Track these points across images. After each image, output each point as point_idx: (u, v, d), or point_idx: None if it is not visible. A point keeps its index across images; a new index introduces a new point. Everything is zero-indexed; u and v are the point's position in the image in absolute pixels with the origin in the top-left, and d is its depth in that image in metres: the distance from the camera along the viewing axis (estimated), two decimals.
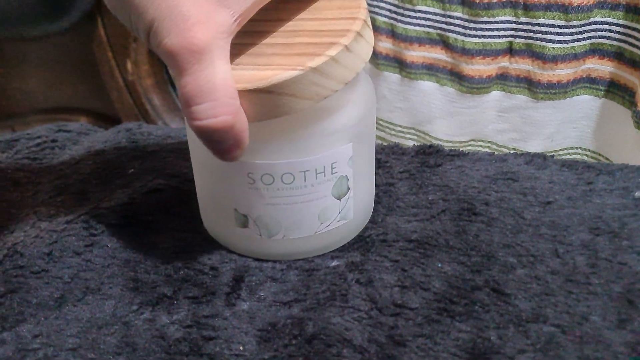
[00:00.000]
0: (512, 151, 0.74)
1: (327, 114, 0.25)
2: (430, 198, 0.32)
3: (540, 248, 0.29)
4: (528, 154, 0.37)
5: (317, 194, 0.26)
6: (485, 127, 0.74)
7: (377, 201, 0.31)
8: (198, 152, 0.27)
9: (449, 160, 0.35)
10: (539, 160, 0.36)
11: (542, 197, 0.32)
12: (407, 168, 0.34)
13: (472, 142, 0.75)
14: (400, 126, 0.78)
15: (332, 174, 0.26)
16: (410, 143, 0.79)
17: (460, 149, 0.37)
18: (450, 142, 0.75)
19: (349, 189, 0.27)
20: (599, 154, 0.71)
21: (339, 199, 0.27)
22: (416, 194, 0.32)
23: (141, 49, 0.73)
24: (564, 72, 0.67)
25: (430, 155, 0.36)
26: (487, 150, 0.76)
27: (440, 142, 0.75)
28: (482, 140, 0.75)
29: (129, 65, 0.73)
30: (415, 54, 0.73)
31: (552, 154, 0.73)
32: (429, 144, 0.38)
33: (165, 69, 0.77)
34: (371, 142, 0.28)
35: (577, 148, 0.73)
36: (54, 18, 0.67)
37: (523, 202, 0.32)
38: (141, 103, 0.75)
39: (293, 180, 0.25)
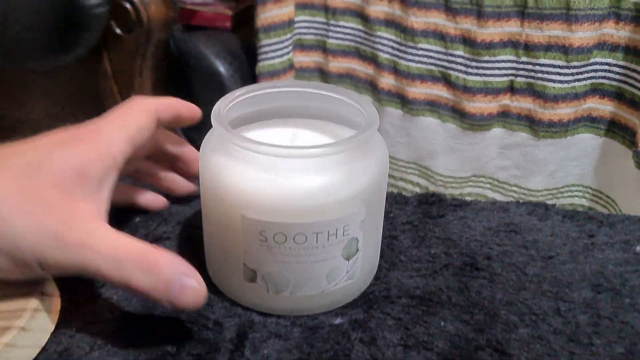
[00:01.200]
0: (513, 187, 0.75)
1: (343, 178, 0.26)
2: (432, 252, 0.32)
3: (543, 306, 0.29)
4: (530, 203, 0.37)
5: (328, 254, 0.26)
6: (487, 164, 0.75)
7: (381, 255, 0.31)
8: (210, 205, 0.28)
9: (451, 210, 0.36)
10: (541, 210, 0.37)
11: (544, 251, 0.32)
12: (410, 219, 0.34)
13: (474, 178, 0.76)
14: (402, 161, 0.78)
15: (343, 235, 0.26)
16: (412, 178, 0.79)
17: (463, 198, 0.38)
18: (452, 177, 0.75)
19: (358, 250, 0.27)
20: (600, 192, 0.72)
21: (348, 259, 0.27)
22: (418, 248, 0.32)
23: (146, 83, 0.73)
24: (564, 111, 0.68)
25: (432, 205, 0.36)
26: (488, 186, 0.76)
27: (441, 178, 0.76)
28: (484, 177, 0.75)
29: None
30: (417, 91, 0.74)
31: (554, 201, 0.73)
32: (431, 192, 0.38)
33: None
34: (382, 204, 0.29)
35: (578, 185, 0.73)
36: (60, 53, 0.68)
37: (525, 256, 0.32)
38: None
39: (305, 240, 0.26)
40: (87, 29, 0.67)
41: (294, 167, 0.26)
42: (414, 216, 0.35)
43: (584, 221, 0.36)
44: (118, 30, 0.70)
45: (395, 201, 0.37)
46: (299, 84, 0.32)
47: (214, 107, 0.29)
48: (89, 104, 0.80)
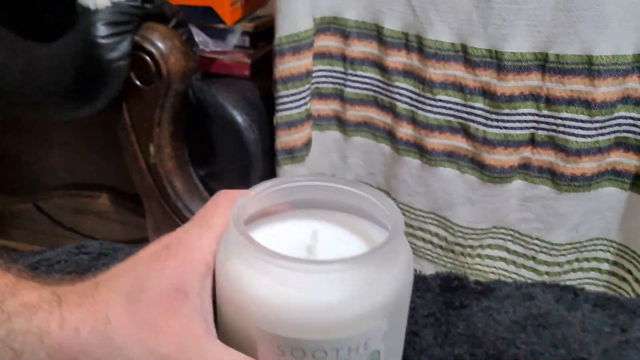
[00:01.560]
0: (535, 240, 0.73)
1: (365, 291, 0.25)
2: (456, 352, 0.31)
3: None
4: (557, 286, 0.36)
5: None
6: (508, 216, 0.73)
7: (402, 354, 0.30)
8: (225, 311, 0.27)
9: (474, 299, 0.34)
10: (569, 297, 0.35)
11: (575, 352, 0.31)
12: (432, 310, 0.33)
13: (494, 230, 0.74)
14: (420, 210, 0.77)
15: (364, 350, 0.25)
16: (431, 228, 0.78)
17: (487, 283, 0.36)
18: (472, 229, 0.74)
19: None
20: (626, 247, 0.70)
21: None
22: (441, 346, 0.31)
23: (164, 133, 0.74)
24: (588, 165, 0.67)
25: (455, 293, 0.35)
26: (509, 238, 0.74)
27: (460, 229, 0.74)
28: (504, 229, 0.74)
29: (152, 149, 0.74)
30: (436, 141, 0.73)
31: (577, 255, 0.71)
32: (453, 275, 0.37)
33: (187, 151, 0.78)
34: (405, 313, 0.28)
35: (602, 239, 0.71)
36: (80, 105, 0.69)
37: (555, 357, 0.31)
38: (162, 186, 0.75)
39: (325, 356, 0.25)
40: (107, 82, 0.67)
41: (312, 281, 0.25)
42: (436, 307, 0.34)
43: (615, 311, 0.35)
44: (138, 82, 0.70)
45: (415, 287, 0.36)
46: (320, 178, 0.31)
47: (233, 207, 0.28)
48: (109, 152, 0.81)
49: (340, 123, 0.79)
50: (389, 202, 0.29)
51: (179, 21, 0.74)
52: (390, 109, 0.75)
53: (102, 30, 0.65)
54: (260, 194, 0.30)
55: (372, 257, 0.25)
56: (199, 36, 0.80)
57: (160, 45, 0.69)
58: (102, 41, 0.65)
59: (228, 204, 0.29)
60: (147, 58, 0.69)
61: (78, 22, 0.65)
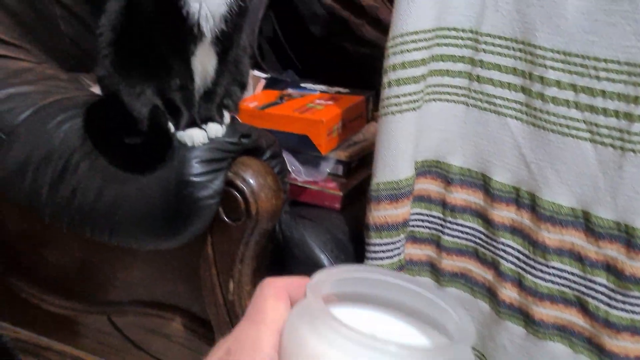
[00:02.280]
0: None
1: None
2: None
3: None
4: None
5: None
6: None
7: None
8: None
9: None
10: None
11: None
12: None
13: None
14: None
15: None
16: None
17: None
18: None
19: None
20: None
21: None
22: None
23: (245, 269, 0.70)
24: None
25: None
26: None
27: None
28: None
29: (231, 285, 0.70)
30: (546, 312, 0.64)
31: None
32: None
33: None
34: None
35: None
36: (166, 239, 0.67)
37: None
38: (238, 323, 0.71)
39: None
40: (195, 219, 0.65)
41: None
42: None
43: None
44: (225, 218, 0.67)
45: None
46: (406, 278, 0.28)
47: (312, 279, 0.28)
48: (188, 276, 0.78)
49: (434, 270, 0.72)
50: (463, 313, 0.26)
51: (273, 153, 0.71)
52: (492, 265, 0.67)
53: (196, 168, 0.63)
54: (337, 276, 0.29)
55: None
56: (292, 165, 0.78)
57: (252, 182, 0.66)
58: (195, 179, 0.63)
59: (276, 294, 0.30)
60: (238, 195, 0.66)
61: (173, 156, 0.64)
